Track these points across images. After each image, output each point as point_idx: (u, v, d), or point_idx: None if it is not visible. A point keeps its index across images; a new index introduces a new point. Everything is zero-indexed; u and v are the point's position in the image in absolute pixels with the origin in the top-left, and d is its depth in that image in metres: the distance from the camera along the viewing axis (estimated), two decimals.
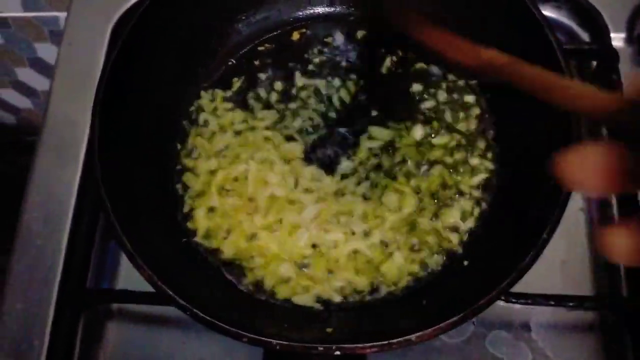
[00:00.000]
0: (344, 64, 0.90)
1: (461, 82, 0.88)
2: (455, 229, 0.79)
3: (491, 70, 0.54)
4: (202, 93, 0.89)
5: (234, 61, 0.91)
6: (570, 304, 0.72)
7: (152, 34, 0.78)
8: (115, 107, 0.72)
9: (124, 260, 0.87)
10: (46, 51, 1.36)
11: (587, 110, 0.41)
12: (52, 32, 1.29)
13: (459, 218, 0.79)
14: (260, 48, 0.91)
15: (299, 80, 0.89)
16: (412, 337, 0.59)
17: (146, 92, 0.78)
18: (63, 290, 0.81)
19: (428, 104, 0.87)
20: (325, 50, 0.92)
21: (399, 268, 0.76)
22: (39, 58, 1.40)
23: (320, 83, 0.89)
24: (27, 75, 1.47)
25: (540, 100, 0.45)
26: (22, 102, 1.59)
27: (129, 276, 0.86)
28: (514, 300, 0.72)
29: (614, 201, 0.85)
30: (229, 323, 0.61)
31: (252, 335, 0.61)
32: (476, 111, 0.86)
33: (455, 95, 0.87)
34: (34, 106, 1.61)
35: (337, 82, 0.89)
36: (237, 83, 0.90)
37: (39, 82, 1.49)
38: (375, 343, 0.59)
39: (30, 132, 1.65)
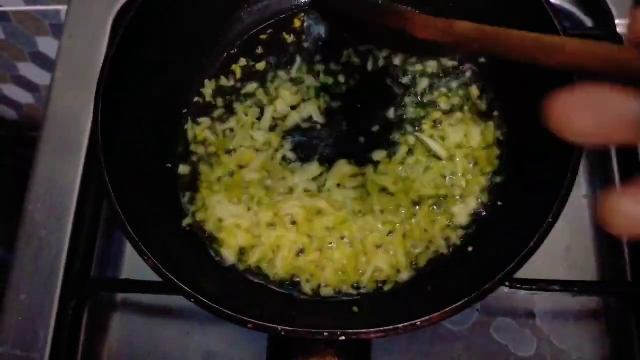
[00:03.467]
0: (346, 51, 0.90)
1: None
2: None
3: (470, 43, 0.49)
4: (207, 82, 0.89)
5: (236, 49, 0.90)
6: (575, 289, 0.72)
7: (153, 23, 0.78)
8: (118, 94, 0.72)
9: (128, 251, 0.87)
10: (47, 45, 1.35)
11: (592, 66, 0.37)
12: (53, 26, 1.28)
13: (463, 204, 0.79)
14: (262, 36, 0.91)
15: (302, 67, 0.89)
16: (417, 322, 0.59)
17: (148, 80, 0.78)
18: (67, 281, 0.81)
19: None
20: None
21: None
22: (40, 52, 1.39)
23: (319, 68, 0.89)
24: (28, 70, 1.46)
25: (536, 65, 0.41)
26: (24, 97, 1.58)
27: (133, 266, 0.86)
28: (518, 286, 0.72)
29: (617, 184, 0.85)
30: (234, 309, 0.61)
31: (256, 321, 0.61)
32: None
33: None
34: (36, 101, 1.60)
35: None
36: (238, 71, 0.89)
37: (40, 76, 1.48)
38: (380, 328, 0.59)
39: (33, 128, 1.64)
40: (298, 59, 0.89)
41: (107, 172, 0.67)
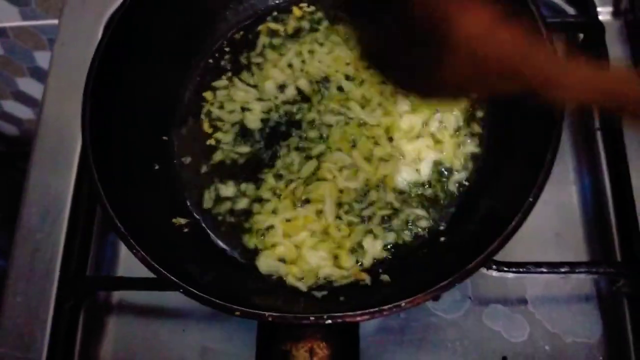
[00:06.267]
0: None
1: None
2: None
3: None
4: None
5: (222, 48, 0.92)
6: (563, 270, 0.72)
7: (140, 24, 0.80)
8: (106, 95, 0.73)
9: (123, 253, 0.88)
10: (45, 60, 1.38)
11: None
12: (50, 41, 1.31)
13: None
14: (249, 35, 0.92)
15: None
16: (402, 303, 0.60)
17: (135, 78, 0.80)
18: (63, 282, 0.82)
19: None
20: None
21: None
22: (38, 67, 1.41)
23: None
24: (27, 84, 1.49)
25: None
26: (23, 112, 1.60)
27: (127, 267, 0.87)
28: (506, 269, 0.72)
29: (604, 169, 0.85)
30: (221, 297, 0.62)
31: (244, 309, 0.61)
32: None
33: None
34: (36, 116, 1.61)
35: None
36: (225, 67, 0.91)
37: (39, 91, 1.50)
38: (365, 310, 0.60)
39: None
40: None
41: (95, 169, 0.69)
